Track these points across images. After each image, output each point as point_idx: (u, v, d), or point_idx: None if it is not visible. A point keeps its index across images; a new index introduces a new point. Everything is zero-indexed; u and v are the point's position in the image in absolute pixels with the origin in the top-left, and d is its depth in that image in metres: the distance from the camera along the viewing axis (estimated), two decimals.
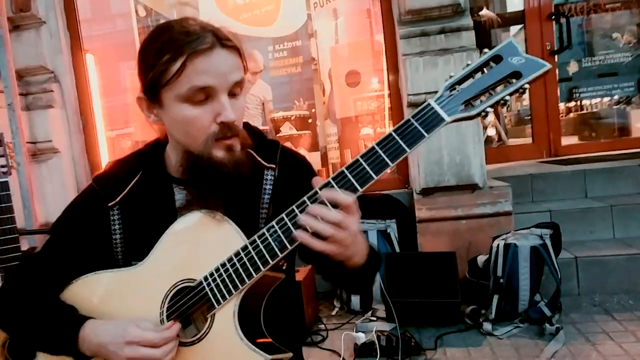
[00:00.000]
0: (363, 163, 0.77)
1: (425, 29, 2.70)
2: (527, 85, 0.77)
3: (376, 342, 2.09)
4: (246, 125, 0.98)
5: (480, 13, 5.31)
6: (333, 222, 0.75)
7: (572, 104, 5.20)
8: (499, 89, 0.78)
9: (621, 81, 4.63)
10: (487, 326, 2.17)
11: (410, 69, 2.65)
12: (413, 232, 2.71)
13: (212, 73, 0.82)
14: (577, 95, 4.92)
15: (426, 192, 2.74)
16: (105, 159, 3.38)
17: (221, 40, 0.83)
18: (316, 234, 0.76)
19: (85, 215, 0.95)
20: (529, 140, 4.35)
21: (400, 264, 2.43)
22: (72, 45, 3.25)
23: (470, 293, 2.40)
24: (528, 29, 4.28)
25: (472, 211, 2.63)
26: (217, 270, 0.83)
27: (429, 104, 0.77)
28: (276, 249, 0.79)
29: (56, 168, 3.13)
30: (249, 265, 0.81)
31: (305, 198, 0.78)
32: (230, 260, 0.82)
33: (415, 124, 0.77)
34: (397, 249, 2.70)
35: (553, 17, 4.12)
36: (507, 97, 0.78)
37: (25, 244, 2.39)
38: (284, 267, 0.90)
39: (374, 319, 2.45)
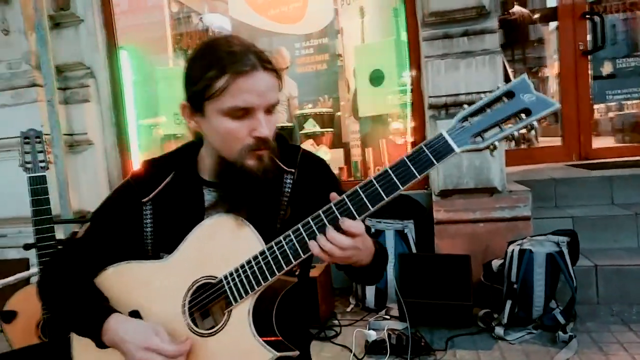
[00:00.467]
0: (376, 184, 0.84)
1: (448, 31, 2.70)
2: (535, 123, 0.80)
3: (387, 340, 2.14)
4: None
5: (512, 10, 5.23)
6: (342, 247, 0.84)
7: (605, 105, 5.07)
8: (508, 124, 0.82)
9: None
10: (499, 330, 2.19)
11: (432, 71, 2.66)
12: (430, 234, 2.73)
13: (253, 93, 0.89)
14: (611, 96, 4.79)
15: (445, 194, 2.76)
16: (135, 151, 3.53)
17: (263, 62, 0.91)
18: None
19: (121, 208, 1.04)
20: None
21: (415, 265, 2.47)
22: (108, 42, 3.39)
23: (484, 296, 2.42)
24: (561, 27, 4.19)
25: (490, 215, 2.63)
26: (237, 270, 0.90)
27: (441, 134, 0.82)
28: (290, 257, 0.87)
29: (90, 159, 3.30)
30: (265, 269, 0.88)
31: (320, 212, 0.86)
32: (249, 262, 0.90)
33: (427, 152, 0.82)
34: (414, 250, 2.73)
35: (587, 16, 4.02)
36: (516, 133, 0.82)
37: (60, 232, 2.54)
38: (297, 273, 0.97)
39: (388, 317, 2.50)
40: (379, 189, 0.83)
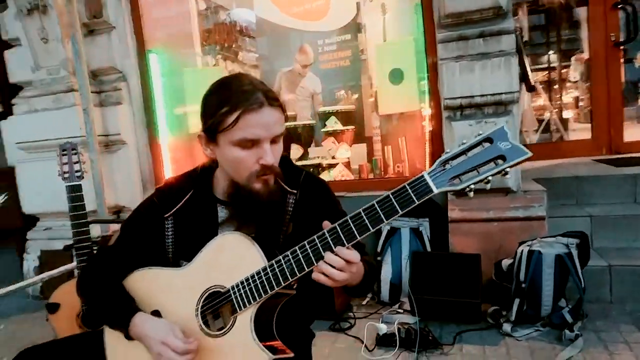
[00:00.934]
0: (364, 216, 0.94)
1: (463, 33, 2.73)
2: (509, 169, 0.89)
3: (396, 333, 2.25)
4: None
5: None
6: (340, 270, 0.95)
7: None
8: (484, 168, 0.90)
9: None
10: (507, 327, 2.27)
11: (447, 73, 2.71)
12: (445, 232, 2.81)
13: (260, 127, 1.03)
14: None
15: (460, 193, 2.81)
16: (166, 150, 3.72)
17: (269, 100, 1.04)
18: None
19: (146, 221, 1.20)
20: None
21: (427, 263, 2.56)
22: (138, 47, 3.57)
23: (494, 294, 2.49)
24: (591, 17, 4.11)
25: (504, 214, 2.68)
26: (242, 283, 1.04)
27: (422, 176, 0.91)
28: (288, 274, 1.00)
29: (124, 158, 3.51)
30: (266, 284, 1.02)
31: (315, 237, 0.98)
32: (252, 276, 1.03)
33: (410, 191, 0.91)
34: (428, 247, 2.81)
35: (619, 6, 3.92)
36: (490, 177, 0.90)
37: (97, 229, 2.76)
38: (294, 286, 1.10)
39: (401, 311, 2.60)
40: (366, 220, 0.94)
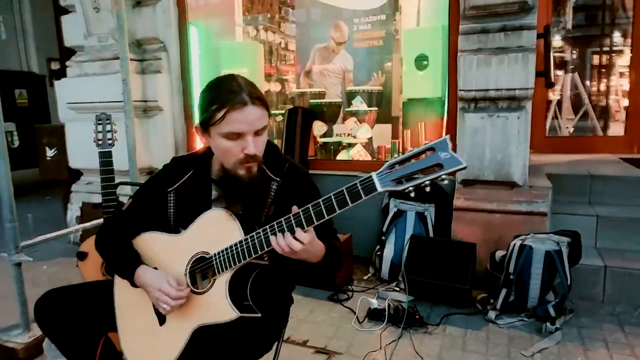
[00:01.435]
0: (321, 205, 1.12)
1: (486, 26, 2.76)
2: (444, 176, 1.00)
3: (386, 309, 2.44)
4: (268, 143, 1.38)
5: None
6: (293, 249, 1.14)
7: None
8: (424, 174, 1.02)
9: None
10: (492, 314, 2.41)
11: (464, 66, 2.77)
12: (449, 219, 2.92)
13: (243, 122, 1.21)
14: None
15: (467, 182, 2.92)
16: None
17: (252, 99, 1.22)
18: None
19: (153, 193, 1.43)
20: None
21: (425, 247, 2.70)
22: (179, 19, 3.79)
23: (488, 283, 2.61)
24: (637, 5, 3.99)
25: (507, 207, 2.76)
26: (222, 251, 1.25)
27: (371, 176, 1.06)
28: (258, 248, 1.20)
29: (160, 123, 3.79)
30: (240, 254, 1.22)
31: (282, 219, 1.16)
32: (230, 247, 1.24)
33: (359, 187, 1.07)
34: (431, 232, 2.95)
35: None
36: (427, 182, 1.02)
37: (127, 189, 3.04)
38: (266, 258, 1.29)
39: (397, 289, 2.78)
40: (323, 209, 1.11)
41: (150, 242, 1.41)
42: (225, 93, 1.21)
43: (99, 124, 2.05)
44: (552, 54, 3.09)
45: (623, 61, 5.27)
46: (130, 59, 3.59)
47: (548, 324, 2.28)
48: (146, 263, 1.38)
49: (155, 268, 1.37)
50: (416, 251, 2.69)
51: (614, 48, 5.66)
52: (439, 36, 3.42)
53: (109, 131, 2.05)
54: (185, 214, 1.36)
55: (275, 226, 1.17)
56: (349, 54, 4.47)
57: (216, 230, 1.28)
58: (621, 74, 5.43)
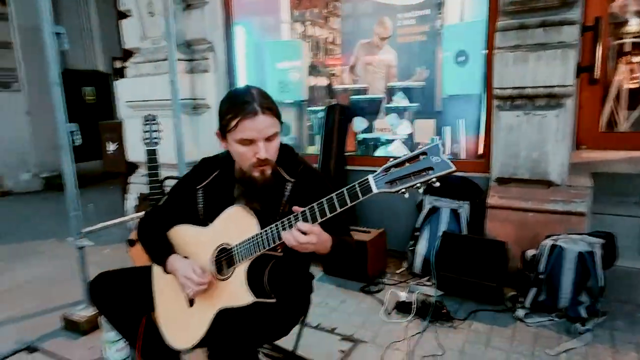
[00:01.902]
0: (324, 203, 1.23)
1: (524, 22, 2.71)
2: (434, 179, 1.08)
3: (414, 302, 2.51)
4: (285, 147, 1.52)
5: None
6: (300, 241, 1.26)
7: None
8: (417, 176, 1.10)
9: None
10: (520, 312, 2.41)
11: (500, 63, 2.74)
12: (483, 216, 2.92)
13: (254, 130, 1.35)
14: None
15: (502, 181, 2.90)
16: None
17: (263, 109, 1.35)
18: None
19: (184, 190, 1.61)
20: None
21: (455, 244, 2.73)
22: (226, 19, 3.99)
23: (519, 281, 2.61)
24: None
25: (543, 206, 2.72)
26: (241, 243, 1.39)
27: (367, 179, 1.16)
28: (270, 241, 1.33)
29: (207, 120, 4.02)
30: (255, 245, 1.36)
31: (291, 216, 1.29)
32: (248, 239, 1.38)
33: (357, 188, 1.17)
34: (465, 229, 2.97)
35: None
36: (419, 184, 1.11)
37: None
38: (279, 250, 1.41)
39: (428, 284, 2.83)
40: (325, 207, 1.23)
41: (182, 234, 1.58)
42: (239, 103, 1.35)
43: (146, 123, 2.25)
44: (599, 48, 2.99)
45: None
46: (180, 59, 3.87)
47: (578, 324, 2.26)
48: (179, 252, 1.54)
49: (186, 257, 1.53)
50: (447, 247, 2.73)
51: None
52: (480, 32, 3.38)
53: (154, 131, 2.25)
54: (213, 209, 1.51)
55: (286, 222, 1.29)
56: (393, 49, 4.49)
57: (236, 224, 1.42)
58: None
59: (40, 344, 2.38)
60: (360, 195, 1.17)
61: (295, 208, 1.29)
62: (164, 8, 3.07)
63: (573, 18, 2.63)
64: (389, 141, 3.95)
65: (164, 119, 2.97)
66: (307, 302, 1.69)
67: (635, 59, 4.95)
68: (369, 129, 4.16)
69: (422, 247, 3.03)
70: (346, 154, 3.73)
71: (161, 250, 1.55)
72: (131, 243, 2.33)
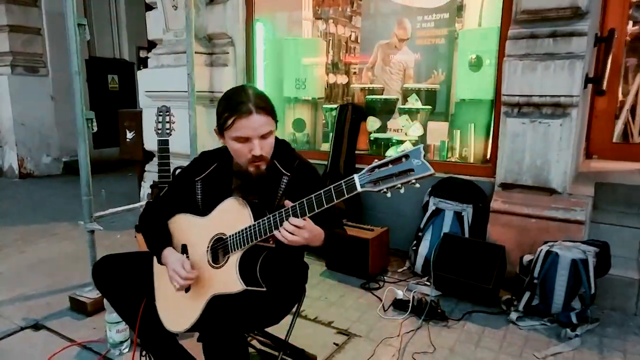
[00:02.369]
0: (313, 199, 1.31)
1: (535, 31, 2.75)
2: (414, 180, 1.15)
3: (410, 300, 2.59)
4: (282, 142, 1.62)
5: None
6: (292, 233, 1.35)
7: None
8: (397, 177, 1.17)
9: None
10: (513, 315, 2.47)
11: (509, 71, 2.78)
12: (485, 220, 2.98)
13: (249, 128, 1.44)
14: None
15: (506, 186, 2.95)
16: None
17: (257, 108, 1.44)
18: None
19: (184, 182, 1.71)
20: None
21: (455, 246, 2.79)
22: (247, 15, 4.09)
23: (516, 285, 2.66)
24: None
25: (543, 213, 2.76)
26: (236, 234, 1.48)
27: (353, 177, 1.23)
28: (263, 233, 1.42)
29: None
30: (248, 237, 1.45)
31: (282, 210, 1.38)
32: (242, 230, 1.46)
33: (343, 186, 1.24)
34: (467, 232, 3.03)
35: None
36: (399, 185, 1.17)
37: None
38: (271, 242, 1.50)
39: (427, 284, 2.90)
40: (314, 202, 1.31)
41: (182, 222, 1.68)
42: (234, 103, 1.44)
43: (160, 114, 2.37)
44: (609, 59, 3.01)
45: None
46: (201, 52, 4.00)
47: (568, 330, 2.31)
48: (177, 241, 1.64)
49: (185, 245, 1.63)
50: (447, 249, 2.79)
51: None
52: (494, 38, 3.42)
53: (167, 122, 2.36)
54: (211, 200, 1.60)
55: (277, 215, 1.38)
56: (411, 51, 4.54)
57: (232, 215, 1.51)
58: None
59: (47, 322, 2.47)
60: (345, 192, 1.24)
61: (287, 202, 1.37)
62: (185, 3, 3.19)
63: (583, 29, 2.66)
64: (400, 142, 4.01)
65: (180, 110, 3.10)
66: (300, 291, 1.78)
67: None
68: (382, 129, 4.24)
69: (423, 248, 3.10)
70: (357, 152, 3.81)
71: (158, 242, 1.64)
72: (138, 229, 2.45)
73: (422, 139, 4.07)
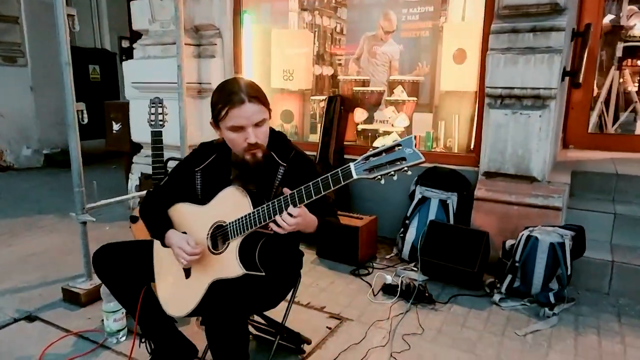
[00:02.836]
0: (310, 186, 1.37)
1: (516, 26, 2.87)
2: (406, 168, 1.23)
3: (399, 285, 2.70)
4: (278, 134, 1.69)
5: None
6: (288, 222, 1.41)
7: None
8: (391, 165, 1.24)
9: None
10: (496, 297, 2.61)
11: (492, 64, 2.90)
12: (470, 208, 3.10)
13: (242, 117, 1.51)
14: None
15: (489, 174, 3.07)
16: None
17: (249, 97, 1.50)
18: None
19: (184, 171, 1.76)
20: None
21: (441, 232, 2.92)
22: (234, 7, 4.11)
23: (499, 268, 2.80)
24: None
25: (525, 200, 2.90)
26: (235, 221, 1.54)
27: (349, 166, 1.29)
28: (262, 219, 1.48)
29: None
30: (247, 224, 1.50)
31: (281, 197, 1.43)
32: (241, 218, 1.52)
33: (340, 174, 1.31)
34: (452, 219, 3.15)
35: None
36: (392, 172, 1.25)
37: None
38: (269, 229, 1.54)
39: (415, 269, 3.02)
40: (312, 189, 1.37)
41: (182, 211, 1.74)
42: (227, 94, 1.51)
43: (153, 106, 2.40)
44: (586, 53, 3.15)
45: None
46: (188, 44, 4.01)
47: (546, 309, 2.46)
48: (177, 228, 1.70)
49: (185, 232, 1.69)
50: (433, 235, 2.91)
51: None
52: (477, 32, 3.52)
53: (160, 113, 2.40)
54: (210, 189, 1.67)
55: (275, 202, 1.44)
56: (396, 43, 4.62)
57: (231, 203, 1.57)
58: None
59: (40, 314, 2.48)
60: (342, 180, 1.31)
61: (285, 190, 1.44)
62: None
63: (561, 25, 2.78)
64: (387, 133, 4.10)
65: (169, 102, 3.12)
66: (296, 276, 1.87)
67: (628, 64, 5.10)
68: (369, 120, 4.32)
69: (410, 235, 3.22)
70: (346, 143, 3.89)
71: (160, 225, 1.70)
72: (133, 220, 2.49)
73: (408, 130, 4.18)
